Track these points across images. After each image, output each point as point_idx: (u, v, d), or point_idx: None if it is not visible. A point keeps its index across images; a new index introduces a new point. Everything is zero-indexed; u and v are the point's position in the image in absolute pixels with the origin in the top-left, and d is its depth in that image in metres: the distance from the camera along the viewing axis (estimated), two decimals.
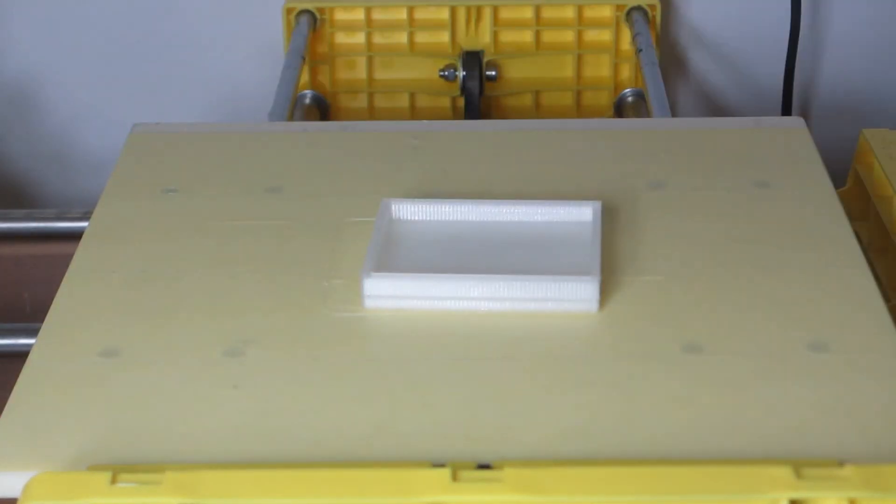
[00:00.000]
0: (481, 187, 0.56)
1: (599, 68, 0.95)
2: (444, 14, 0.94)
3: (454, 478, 0.39)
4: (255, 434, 0.43)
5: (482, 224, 0.51)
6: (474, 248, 0.50)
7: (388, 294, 0.48)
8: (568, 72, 0.95)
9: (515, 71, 0.95)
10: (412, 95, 0.95)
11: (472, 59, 0.93)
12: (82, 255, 0.52)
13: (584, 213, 0.51)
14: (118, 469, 0.40)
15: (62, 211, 0.74)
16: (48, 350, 0.47)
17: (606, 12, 0.94)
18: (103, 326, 0.48)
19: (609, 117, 0.94)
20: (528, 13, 0.94)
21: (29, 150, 1.04)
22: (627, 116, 0.93)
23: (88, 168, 1.04)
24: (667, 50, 0.99)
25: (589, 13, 0.94)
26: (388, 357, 0.46)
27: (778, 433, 0.43)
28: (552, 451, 0.42)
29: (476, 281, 0.48)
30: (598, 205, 0.51)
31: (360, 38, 0.95)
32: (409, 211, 0.51)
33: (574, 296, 0.47)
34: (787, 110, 0.94)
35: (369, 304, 0.48)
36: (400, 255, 0.49)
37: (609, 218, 0.53)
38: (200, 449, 0.42)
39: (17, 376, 0.46)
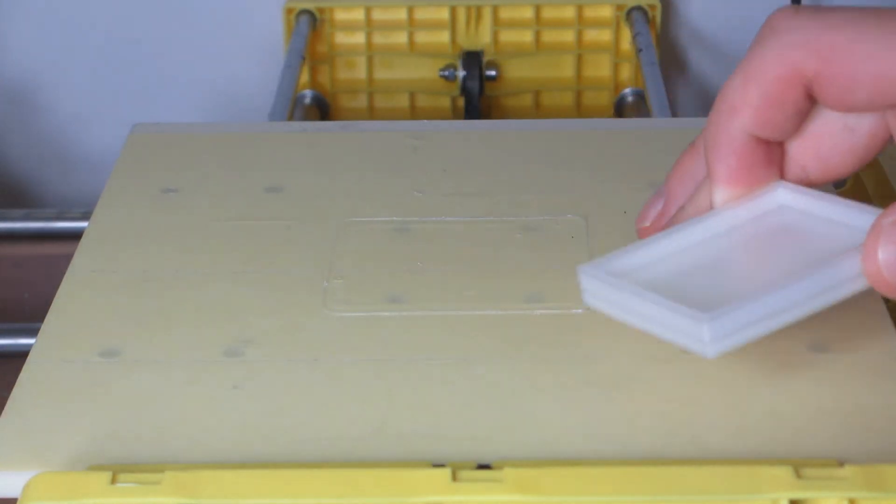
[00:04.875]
0: (481, 187, 0.56)
1: (599, 68, 0.95)
2: (444, 14, 0.95)
3: (454, 478, 0.39)
4: (255, 434, 0.43)
5: (697, 245, 0.46)
6: (730, 265, 0.46)
7: (733, 329, 0.42)
8: (568, 72, 0.95)
9: (515, 71, 0.95)
10: (412, 95, 0.95)
11: (472, 59, 0.93)
12: (82, 255, 0.52)
13: (778, 199, 0.46)
14: (118, 469, 0.40)
15: (62, 211, 0.74)
16: (48, 350, 0.47)
17: (606, 12, 0.94)
18: (103, 327, 0.48)
19: (609, 117, 0.94)
20: (528, 13, 0.94)
21: (29, 150, 1.04)
22: (627, 116, 0.93)
23: (88, 168, 1.04)
24: (667, 50, 0.99)
25: (589, 13, 0.95)
26: (387, 357, 0.46)
27: (778, 433, 0.43)
28: (552, 451, 0.42)
29: (808, 279, 0.42)
30: (784, 186, 0.46)
31: (360, 38, 0.95)
32: (620, 265, 0.45)
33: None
34: None
35: (714, 350, 0.42)
36: (687, 297, 0.43)
37: (609, 218, 0.53)
38: (200, 449, 0.42)
39: (17, 376, 0.46)
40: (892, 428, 0.43)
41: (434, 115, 0.95)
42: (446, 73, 0.93)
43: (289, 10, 0.94)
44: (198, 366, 0.46)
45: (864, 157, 0.45)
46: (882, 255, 0.41)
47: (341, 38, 0.95)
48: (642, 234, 0.49)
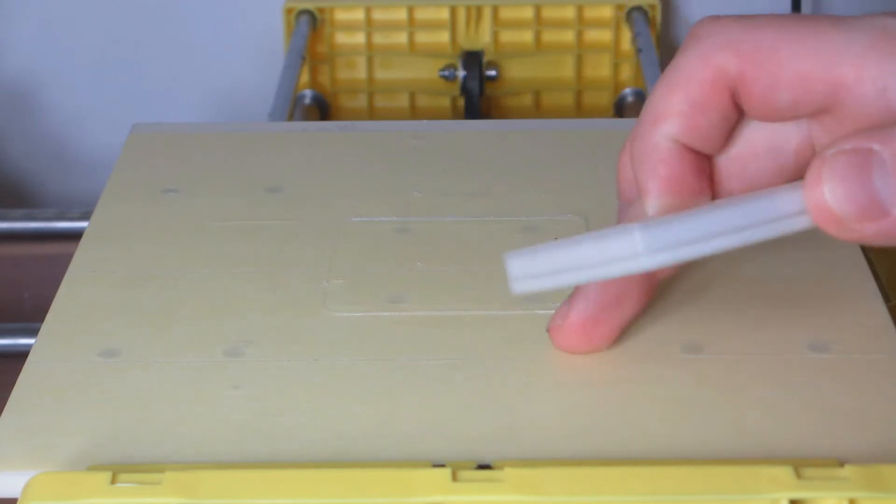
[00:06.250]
0: (481, 187, 0.56)
1: (599, 68, 0.95)
2: (444, 14, 0.95)
3: (454, 478, 0.39)
4: (255, 434, 0.43)
5: None
6: None
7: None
8: (568, 72, 0.95)
9: (515, 71, 0.95)
10: (412, 95, 0.95)
11: (472, 59, 0.93)
12: (82, 255, 0.52)
13: None
14: (118, 469, 0.40)
15: (62, 211, 0.74)
16: (48, 350, 0.47)
17: (606, 12, 0.94)
18: (103, 326, 0.48)
19: (609, 117, 0.94)
20: (528, 13, 0.94)
21: (29, 150, 1.04)
22: (627, 116, 0.93)
23: (88, 168, 1.04)
24: (667, 50, 0.99)
25: (589, 13, 0.95)
26: (388, 357, 0.46)
27: (778, 433, 0.43)
28: (552, 451, 0.42)
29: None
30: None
31: (360, 38, 0.95)
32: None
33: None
34: None
35: (650, 261, 0.40)
36: None
37: (609, 218, 0.53)
38: (200, 449, 0.42)
39: (17, 376, 0.46)
40: (892, 428, 0.43)
41: (434, 115, 0.95)
42: (446, 73, 0.93)
43: (289, 10, 0.94)
44: (198, 366, 0.46)
45: (791, 179, 0.44)
46: (827, 187, 0.39)
47: (341, 38, 0.95)
48: None
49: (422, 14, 0.95)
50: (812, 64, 0.40)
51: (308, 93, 0.95)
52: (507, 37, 0.95)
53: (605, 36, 0.94)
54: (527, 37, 0.94)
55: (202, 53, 1.02)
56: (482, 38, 0.94)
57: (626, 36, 0.93)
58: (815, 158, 0.39)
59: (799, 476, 0.39)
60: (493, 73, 0.94)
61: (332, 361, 0.46)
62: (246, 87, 1.02)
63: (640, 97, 0.93)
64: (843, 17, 0.41)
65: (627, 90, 0.94)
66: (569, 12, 0.94)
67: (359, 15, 0.94)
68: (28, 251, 0.73)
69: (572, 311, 0.45)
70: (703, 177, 0.43)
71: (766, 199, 0.41)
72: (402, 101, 0.95)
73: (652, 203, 0.43)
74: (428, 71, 0.95)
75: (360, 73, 0.95)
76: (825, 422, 0.43)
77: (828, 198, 0.39)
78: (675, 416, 0.43)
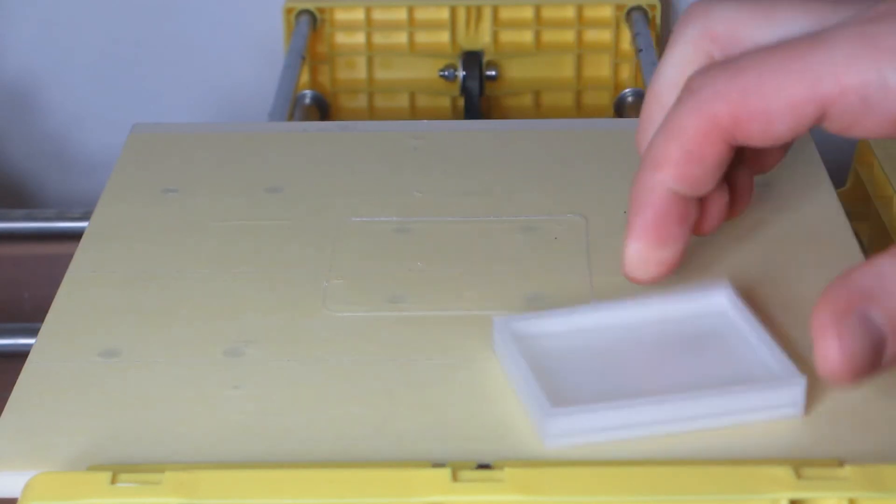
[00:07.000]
0: (481, 187, 0.56)
1: (599, 68, 0.95)
2: (444, 14, 0.94)
3: (454, 478, 0.39)
4: (255, 434, 0.43)
5: (611, 329, 0.46)
6: (627, 360, 0.45)
7: (574, 430, 0.42)
8: (568, 72, 0.95)
9: (515, 71, 0.95)
10: (412, 95, 0.95)
11: (472, 59, 0.93)
12: (82, 255, 0.52)
13: (716, 303, 0.47)
14: (118, 469, 0.40)
15: (62, 211, 0.74)
16: (48, 350, 0.47)
17: (606, 12, 0.94)
18: (103, 326, 0.48)
19: (609, 117, 0.94)
20: (528, 13, 0.94)
21: (29, 150, 1.04)
22: (627, 116, 0.93)
23: (88, 168, 1.04)
24: None
25: (589, 13, 0.94)
26: (387, 357, 0.46)
27: (778, 433, 0.43)
28: (552, 451, 0.42)
29: (671, 402, 0.42)
30: (729, 290, 0.47)
31: (360, 38, 0.95)
32: (528, 327, 0.46)
33: (779, 402, 0.43)
34: None
35: (551, 443, 0.42)
36: (560, 382, 0.44)
37: (609, 218, 0.53)
38: (200, 449, 0.42)
39: (17, 376, 0.46)
40: (892, 428, 0.43)
41: (434, 115, 0.95)
42: (446, 73, 0.93)
43: (289, 10, 0.94)
44: (198, 366, 0.46)
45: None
46: (835, 349, 0.40)
47: (341, 38, 0.95)
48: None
49: (422, 14, 0.94)
50: (797, 90, 0.43)
51: (308, 93, 0.95)
52: (507, 37, 0.95)
53: (605, 36, 0.94)
54: (527, 37, 0.94)
55: (202, 53, 1.02)
56: (482, 38, 0.94)
57: (626, 36, 0.93)
58: (816, 324, 0.41)
59: (799, 476, 0.39)
60: (493, 73, 0.94)
61: (332, 361, 0.46)
62: (246, 87, 1.02)
63: (640, 97, 0.93)
64: (825, 25, 0.44)
65: (627, 90, 0.94)
66: (569, 12, 0.94)
67: (359, 15, 0.94)
68: (28, 251, 0.73)
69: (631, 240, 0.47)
70: (685, 225, 0.47)
71: (690, 399, 0.43)
72: (402, 101, 0.95)
73: (631, 245, 0.46)
74: (428, 71, 0.95)
75: (360, 73, 0.95)
76: (825, 422, 0.43)
77: (848, 361, 0.40)
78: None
